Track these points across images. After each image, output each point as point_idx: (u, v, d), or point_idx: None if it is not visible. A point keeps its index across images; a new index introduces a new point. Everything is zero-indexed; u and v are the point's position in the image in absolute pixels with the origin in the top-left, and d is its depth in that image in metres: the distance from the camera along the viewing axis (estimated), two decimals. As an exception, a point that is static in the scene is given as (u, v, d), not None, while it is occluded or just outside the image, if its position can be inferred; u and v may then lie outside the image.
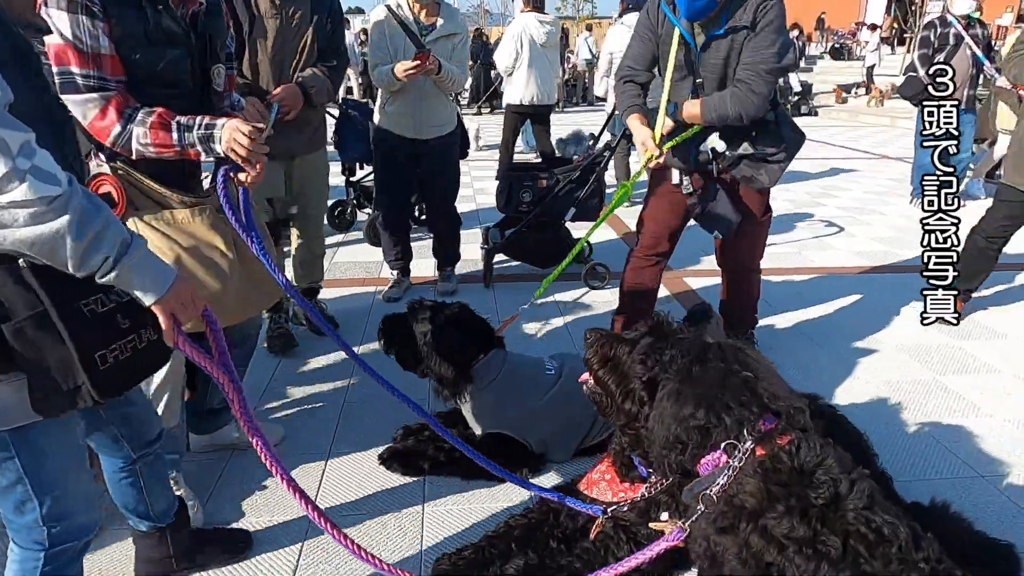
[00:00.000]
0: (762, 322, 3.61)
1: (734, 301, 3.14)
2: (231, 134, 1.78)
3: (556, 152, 6.32)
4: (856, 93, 16.89)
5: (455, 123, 3.93)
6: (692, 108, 2.67)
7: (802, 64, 18.06)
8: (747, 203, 2.86)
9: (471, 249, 4.96)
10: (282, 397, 2.94)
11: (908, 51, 16.80)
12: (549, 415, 2.36)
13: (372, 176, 5.79)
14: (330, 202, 5.35)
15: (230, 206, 1.84)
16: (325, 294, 3.82)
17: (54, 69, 1.71)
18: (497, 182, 4.56)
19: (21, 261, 1.09)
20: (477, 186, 7.36)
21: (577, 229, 4.72)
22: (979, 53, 5.45)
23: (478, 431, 2.40)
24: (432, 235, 4.25)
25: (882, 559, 1.19)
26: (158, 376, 1.97)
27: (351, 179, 5.55)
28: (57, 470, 1.30)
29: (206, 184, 2.07)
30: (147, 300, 1.19)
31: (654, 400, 1.51)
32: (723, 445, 1.36)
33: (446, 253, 4.23)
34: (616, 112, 3.17)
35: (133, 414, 1.63)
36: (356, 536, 2.08)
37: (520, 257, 4.33)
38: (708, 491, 1.35)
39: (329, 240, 5.28)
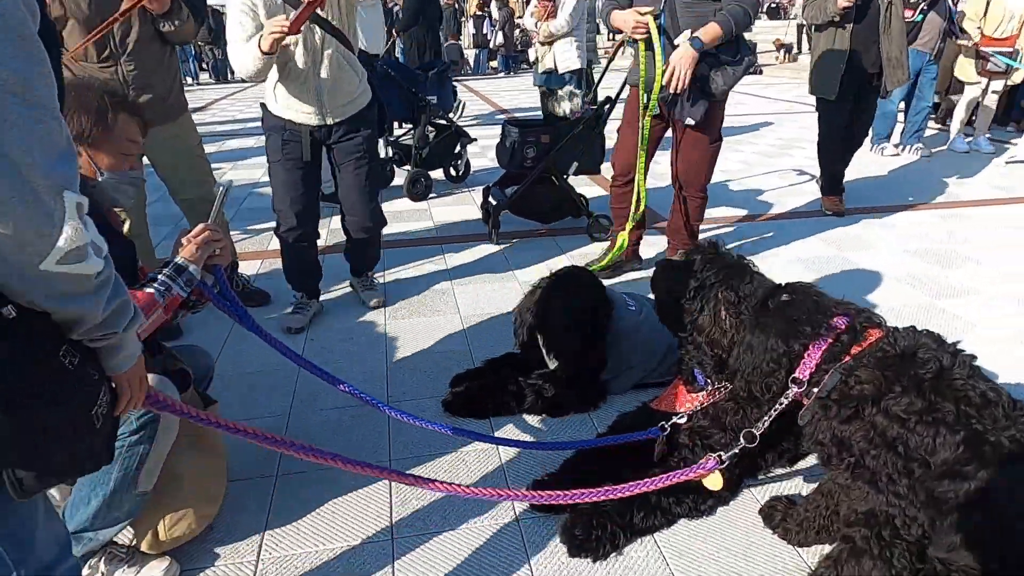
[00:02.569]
0: (764, 257, 3.95)
1: (679, 214, 3.56)
2: (201, 250, 1.70)
3: None
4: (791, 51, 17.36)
5: (369, 94, 3.01)
6: (712, 31, 3.03)
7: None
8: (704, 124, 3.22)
9: (470, 210, 5.04)
10: (332, 359, 2.96)
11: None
12: (628, 344, 2.49)
13: (410, 134, 5.72)
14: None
15: (227, 300, 1.80)
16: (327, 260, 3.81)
17: None
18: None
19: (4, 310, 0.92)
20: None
21: (580, 185, 4.83)
22: (952, 7, 5.69)
23: (552, 364, 2.51)
24: (346, 238, 3.34)
25: (990, 418, 1.36)
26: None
27: (389, 138, 5.64)
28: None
29: None
30: (117, 370, 1.11)
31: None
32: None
33: (367, 257, 3.42)
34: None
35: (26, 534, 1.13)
36: (444, 465, 2.20)
37: (524, 214, 4.38)
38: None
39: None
